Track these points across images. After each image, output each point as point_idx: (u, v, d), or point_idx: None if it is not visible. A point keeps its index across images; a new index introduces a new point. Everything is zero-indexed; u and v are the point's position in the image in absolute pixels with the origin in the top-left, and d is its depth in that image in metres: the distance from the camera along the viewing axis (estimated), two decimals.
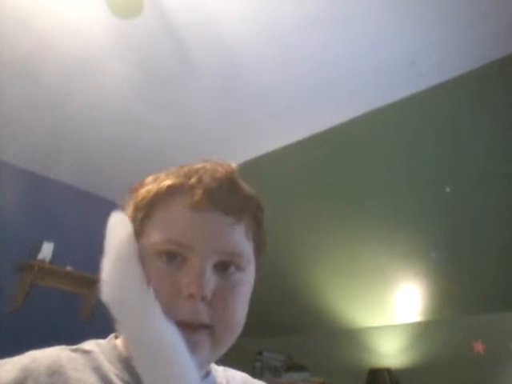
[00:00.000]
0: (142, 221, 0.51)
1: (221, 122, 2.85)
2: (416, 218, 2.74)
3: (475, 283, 2.64)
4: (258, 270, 0.56)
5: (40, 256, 3.22)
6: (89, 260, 3.35)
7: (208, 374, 0.55)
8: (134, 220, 0.52)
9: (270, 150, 3.09)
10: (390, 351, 2.97)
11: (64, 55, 2.37)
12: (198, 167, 0.53)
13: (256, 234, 0.54)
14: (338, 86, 2.48)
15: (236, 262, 0.50)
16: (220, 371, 0.58)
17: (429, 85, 2.40)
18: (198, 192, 0.49)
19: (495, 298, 2.60)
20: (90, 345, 0.52)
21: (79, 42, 2.28)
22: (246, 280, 0.52)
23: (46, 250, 3.27)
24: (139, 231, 0.51)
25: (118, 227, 0.49)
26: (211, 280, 0.47)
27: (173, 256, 0.48)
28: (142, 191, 0.53)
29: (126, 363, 0.49)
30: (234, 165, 0.55)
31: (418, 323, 2.97)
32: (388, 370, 2.75)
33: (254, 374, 0.61)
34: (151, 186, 0.52)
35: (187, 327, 0.46)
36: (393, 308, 3.07)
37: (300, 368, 3.21)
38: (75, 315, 3.41)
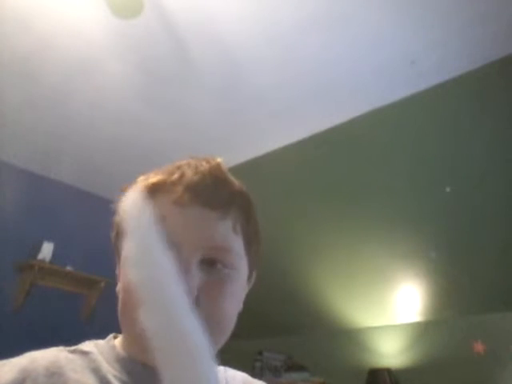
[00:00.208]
0: None
1: (221, 121, 2.85)
2: (416, 218, 2.74)
3: (475, 283, 2.64)
4: (251, 266, 0.55)
5: (40, 256, 3.22)
6: (89, 260, 3.37)
7: None
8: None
9: (270, 150, 3.09)
10: (390, 351, 2.97)
11: (64, 55, 2.37)
12: (182, 163, 0.52)
13: (245, 228, 0.52)
14: (337, 86, 2.48)
15: (223, 257, 0.48)
16: (220, 371, 0.58)
17: (429, 85, 2.40)
18: (180, 188, 0.49)
19: (495, 298, 2.60)
20: (88, 346, 0.52)
21: (79, 42, 2.28)
22: (236, 276, 0.50)
23: (46, 250, 3.26)
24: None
25: (140, 205, 0.47)
26: (197, 276, 0.46)
27: None
28: (133, 188, 0.52)
29: (125, 364, 0.48)
30: (219, 159, 0.54)
31: (418, 323, 2.97)
32: (388, 370, 2.75)
33: (254, 374, 0.60)
34: (138, 185, 0.52)
35: None
36: (393, 308, 3.07)
37: (300, 368, 3.21)
38: (75, 315, 3.41)
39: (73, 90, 2.64)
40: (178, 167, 0.52)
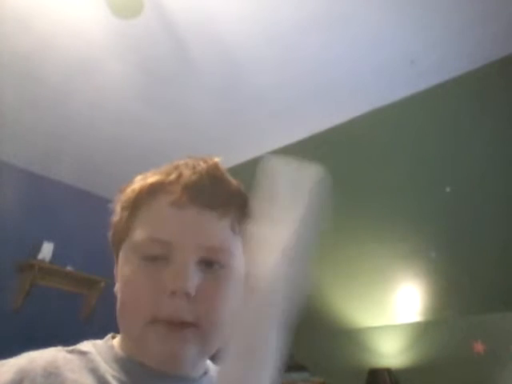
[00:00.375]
0: (127, 220, 0.51)
1: (221, 122, 2.85)
2: (416, 218, 2.74)
3: (475, 283, 2.64)
4: None
5: (40, 256, 3.22)
6: (89, 260, 3.37)
7: (205, 373, 0.55)
8: (120, 220, 0.52)
9: (269, 150, 3.09)
10: (390, 351, 2.97)
11: (64, 55, 2.37)
12: (180, 163, 0.52)
13: (244, 228, 0.51)
14: (337, 85, 2.48)
15: (221, 258, 0.48)
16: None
17: (429, 85, 2.40)
18: (178, 188, 0.48)
19: (495, 298, 2.60)
20: (86, 345, 0.51)
21: (79, 42, 2.28)
22: (234, 277, 0.49)
23: (46, 250, 3.26)
24: (126, 231, 0.51)
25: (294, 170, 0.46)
26: (194, 276, 0.46)
27: (157, 254, 0.47)
28: (128, 191, 0.53)
29: (123, 364, 0.48)
30: (217, 159, 0.54)
31: (418, 323, 2.97)
32: (388, 370, 2.75)
33: None
34: (136, 185, 0.52)
35: (171, 325, 0.45)
36: (393, 308, 3.07)
37: (300, 368, 3.21)
38: (75, 315, 3.41)
39: (73, 90, 2.64)
40: (176, 167, 0.51)
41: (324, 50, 2.25)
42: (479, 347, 2.60)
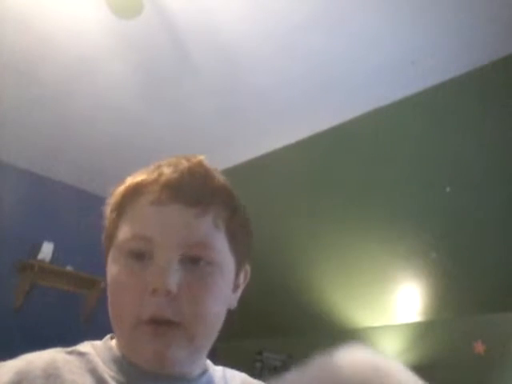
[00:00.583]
0: (114, 222, 0.52)
1: (221, 121, 2.85)
2: (416, 218, 2.74)
3: (475, 283, 2.64)
4: (239, 262, 0.54)
5: (40, 256, 3.22)
6: (89, 260, 3.36)
7: (204, 372, 0.54)
8: (109, 222, 0.53)
9: (270, 150, 3.09)
10: (390, 351, 2.97)
11: (64, 55, 2.37)
12: (163, 162, 0.52)
13: (229, 224, 0.51)
14: (337, 85, 2.48)
15: (206, 254, 0.48)
16: (218, 371, 0.58)
17: (429, 85, 2.40)
18: (157, 187, 0.49)
19: (495, 298, 2.60)
20: (85, 346, 0.52)
21: (79, 42, 2.28)
22: (219, 273, 0.49)
23: (46, 250, 3.27)
24: (114, 232, 0.51)
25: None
26: (176, 274, 0.45)
27: (141, 253, 0.47)
28: (115, 193, 0.53)
29: (121, 364, 0.48)
30: (201, 157, 0.53)
31: (418, 323, 2.97)
32: None
33: (254, 374, 0.60)
34: (122, 186, 0.53)
35: (156, 324, 0.45)
36: (393, 308, 3.07)
37: None
38: (75, 315, 3.41)
39: (73, 90, 2.65)
40: (158, 166, 0.52)
41: (324, 49, 2.25)
42: (479, 347, 2.60)
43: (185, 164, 0.51)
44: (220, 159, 3.08)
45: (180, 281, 0.46)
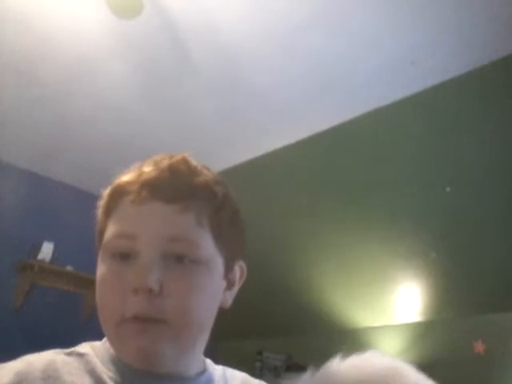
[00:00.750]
0: (103, 222, 0.52)
1: (221, 121, 2.85)
2: (416, 218, 2.74)
3: (475, 283, 2.64)
4: (229, 259, 0.53)
5: (40, 256, 3.22)
6: (89, 260, 3.36)
7: (203, 372, 0.54)
8: (99, 222, 0.53)
9: (270, 150, 3.09)
10: (390, 351, 2.97)
11: (64, 55, 2.37)
12: (146, 161, 0.53)
13: (214, 221, 0.50)
14: (338, 85, 2.48)
15: (188, 251, 0.47)
16: (218, 370, 0.58)
17: (429, 85, 2.40)
18: (137, 186, 0.49)
19: (495, 298, 2.60)
20: (84, 347, 0.52)
21: (79, 42, 2.28)
22: (205, 270, 0.48)
23: (46, 250, 3.26)
24: (103, 232, 0.52)
25: None
26: (158, 272, 0.45)
27: (126, 253, 0.47)
28: (104, 193, 0.54)
29: (119, 365, 0.49)
30: (186, 154, 0.53)
31: (418, 323, 2.97)
32: None
33: (254, 374, 0.60)
34: (108, 188, 0.54)
35: (140, 323, 0.45)
36: (393, 308, 3.07)
37: (300, 368, 3.21)
38: (75, 315, 3.41)
39: (73, 90, 2.64)
40: (140, 166, 0.53)
41: (324, 49, 2.25)
42: (480, 347, 2.60)
43: (166, 162, 0.51)
44: (220, 159, 3.10)
45: (163, 278, 0.45)
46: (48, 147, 3.21)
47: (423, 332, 2.91)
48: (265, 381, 0.60)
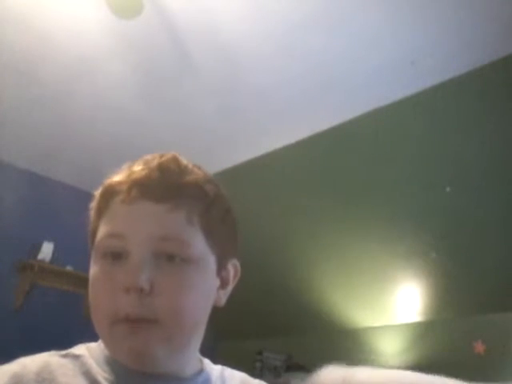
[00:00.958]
0: (95, 223, 0.52)
1: (221, 121, 2.85)
2: (416, 218, 2.74)
3: (475, 283, 2.64)
4: (221, 257, 0.53)
5: (40, 256, 3.22)
6: (89, 260, 3.38)
7: (200, 371, 0.54)
8: (92, 223, 0.53)
9: (270, 150, 3.09)
10: (390, 351, 2.97)
11: (64, 55, 2.37)
12: (136, 161, 0.53)
13: (205, 219, 0.50)
14: (338, 85, 2.48)
15: (178, 249, 0.47)
16: (216, 370, 0.58)
17: (429, 85, 2.40)
18: (126, 186, 0.49)
19: (495, 298, 2.60)
20: (80, 349, 0.52)
21: (79, 42, 2.28)
22: (196, 269, 0.48)
23: (46, 250, 3.27)
24: (95, 233, 0.52)
25: None
26: (148, 271, 0.45)
27: (118, 253, 0.47)
28: (95, 194, 0.54)
29: (114, 365, 0.48)
30: (176, 153, 0.53)
31: (418, 323, 2.97)
32: None
33: (254, 374, 0.60)
34: (99, 189, 0.54)
35: (131, 323, 0.44)
36: (393, 308, 3.07)
37: (300, 368, 3.21)
38: (75, 315, 3.41)
39: (73, 90, 2.64)
40: (130, 165, 0.53)
41: (324, 49, 2.25)
42: (480, 347, 2.60)
43: (156, 161, 0.51)
44: (220, 159, 3.10)
45: (154, 278, 0.45)
46: (48, 147, 3.20)
47: (423, 332, 2.91)
48: (265, 381, 0.60)
